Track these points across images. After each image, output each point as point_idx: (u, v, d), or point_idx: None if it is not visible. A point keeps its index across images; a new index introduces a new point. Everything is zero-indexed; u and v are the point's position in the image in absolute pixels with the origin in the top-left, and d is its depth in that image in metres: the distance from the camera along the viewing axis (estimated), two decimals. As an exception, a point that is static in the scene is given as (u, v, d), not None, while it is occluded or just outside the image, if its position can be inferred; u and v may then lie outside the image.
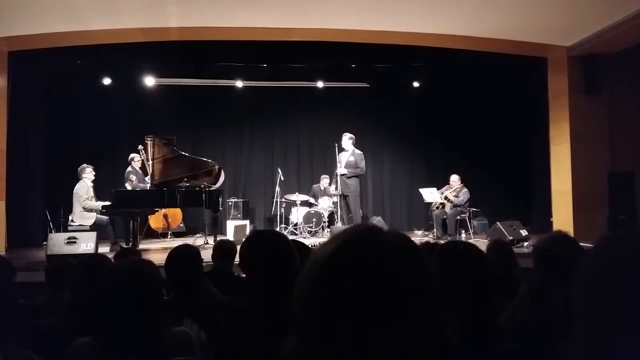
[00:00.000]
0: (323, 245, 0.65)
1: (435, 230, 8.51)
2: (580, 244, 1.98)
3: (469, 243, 1.74)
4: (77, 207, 7.20)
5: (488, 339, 1.36)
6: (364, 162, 8.30)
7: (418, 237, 8.63)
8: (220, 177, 7.82)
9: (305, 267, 0.63)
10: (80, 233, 6.52)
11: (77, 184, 7.31)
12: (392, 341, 0.57)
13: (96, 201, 7.30)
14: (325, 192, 9.40)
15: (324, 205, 9.08)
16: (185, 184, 7.45)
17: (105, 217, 7.22)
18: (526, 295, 1.88)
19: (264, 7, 6.55)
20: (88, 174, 7.38)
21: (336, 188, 8.35)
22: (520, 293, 1.95)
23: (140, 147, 7.57)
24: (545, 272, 1.87)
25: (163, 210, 8.66)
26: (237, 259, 3.65)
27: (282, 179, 9.48)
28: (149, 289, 1.48)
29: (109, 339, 1.42)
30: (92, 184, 7.37)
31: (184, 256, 2.70)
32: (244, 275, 3.78)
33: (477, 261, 1.50)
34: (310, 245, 3.16)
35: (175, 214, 9.22)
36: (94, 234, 6.44)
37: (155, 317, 1.46)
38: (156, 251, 7.26)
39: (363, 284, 0.58)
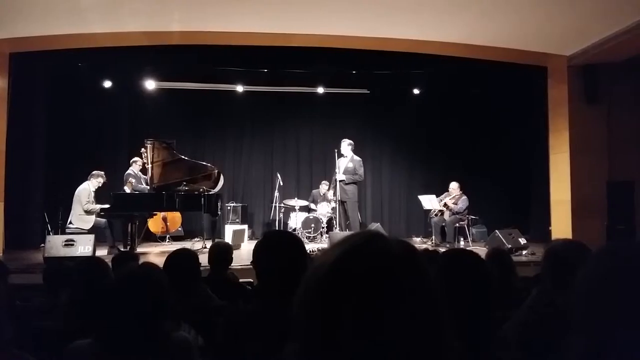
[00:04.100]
0: (326, 252, 0.65)
1: (433, 237, 8.50)
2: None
3: (470, 251, 1.74)
4: (76, 209, 7.18)
5: (489, 347, 1.35)
6: (362, 168, 8.30)
7: (417, 244, 8.61)
8: (220, 181, 7.82)
9: (308, 273, 0.63)
10: (78, 236, 6.51)
11: (81, 185, 7.30)
12: (394, 347, 0.57)
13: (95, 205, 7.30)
14: (324, 198, 9.40)
15: (323, 210, 9.07)
16: (184, 187, 7.45)
17: (103, 220, 7.21)
18: (531, 305, 1.87)
19: (265, 12, 6.57)
20: (96, 181, 7.38)
21: (334, 194, 8.35)
22: (526, 302, 1.94)
23: (142, 150, 7.58)
24: (554, 278, 1.85)
25: (162, 213, 8.66)
26: (235, 262, 3.65)
27: (281, 184, 9.48)
28: (157, 293, 1.47)
29: (111, 341, 1.41)
30: (94, 190, 7.37)
31: (182, 260, 2.70)
32: (242, 280, 3.78)
33: (478, 269, 1.50)
34: (309, 251, 3.16)
35: (174, 218, 9.21)
36: (91, 237, 6.42)
37: (160, 321, 1.46)
38: (154, 255, 7.24)
39: (366, 290, 0.58)
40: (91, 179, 7.38)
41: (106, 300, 1.51)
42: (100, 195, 7.52)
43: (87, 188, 7.28)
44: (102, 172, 7.52)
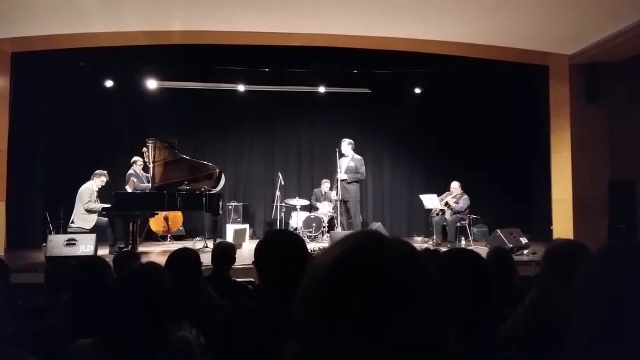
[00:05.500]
0: (326, 251, 0.65)
1: (435, 236, 8.49)
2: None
3: (471, 250, 1.74)
4: (78, 208, 7.19)
5: (489, 346, 1.36)
6: (364, 167, 8.30)
7: (418, 243, 8.61)
8: (221, 181, 7.82)
9: (308, 273, 0.63)
10: (80, 235, 6.51)
11: (84, 184, 7.31)
12: (395, 348, 0.57)
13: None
14: (326, 197, 9.40)
15: (324, 210, 9.07)
16: (185, 187, 7.45)
17: (104, 219, 7.22)
18: (531, 304, 1.87)
19: (266, 11, 6.57)
20: (99, 180, 7.40)
21: (337, 193, 8.35)
22: (526, 302, 1.93)
23: (144, 149, 7.59)
24: (554, 278, 1.85)
25: (164, 213, 8.66)
26: (236, 261, 3.66)
27: (283, 183, 9.48)
28: (161, 293, 1.48)
29: (113, 341, 1.41)
30: (97, 189, 7.38)
31: (184, 259, 2.70)
32: (243, 279, 3.78)
33: (479, 268, 1.50)
34: (310, 251, 3.16)
35: (176, 217, 9.22)
36: (93, 236, 6.43)
37: (163, 321, 1.46)
38: (155, 254, 7.25)
39: (367, 290, 0.58)
40: (94, 178, 7.40)
41: (109, 299, 1.51)
42: (102, 194, 7.53)
43: (90, 187, 7.30)
44: (105, 172, 7.53)
